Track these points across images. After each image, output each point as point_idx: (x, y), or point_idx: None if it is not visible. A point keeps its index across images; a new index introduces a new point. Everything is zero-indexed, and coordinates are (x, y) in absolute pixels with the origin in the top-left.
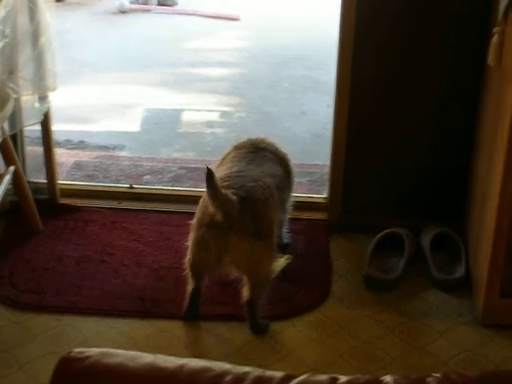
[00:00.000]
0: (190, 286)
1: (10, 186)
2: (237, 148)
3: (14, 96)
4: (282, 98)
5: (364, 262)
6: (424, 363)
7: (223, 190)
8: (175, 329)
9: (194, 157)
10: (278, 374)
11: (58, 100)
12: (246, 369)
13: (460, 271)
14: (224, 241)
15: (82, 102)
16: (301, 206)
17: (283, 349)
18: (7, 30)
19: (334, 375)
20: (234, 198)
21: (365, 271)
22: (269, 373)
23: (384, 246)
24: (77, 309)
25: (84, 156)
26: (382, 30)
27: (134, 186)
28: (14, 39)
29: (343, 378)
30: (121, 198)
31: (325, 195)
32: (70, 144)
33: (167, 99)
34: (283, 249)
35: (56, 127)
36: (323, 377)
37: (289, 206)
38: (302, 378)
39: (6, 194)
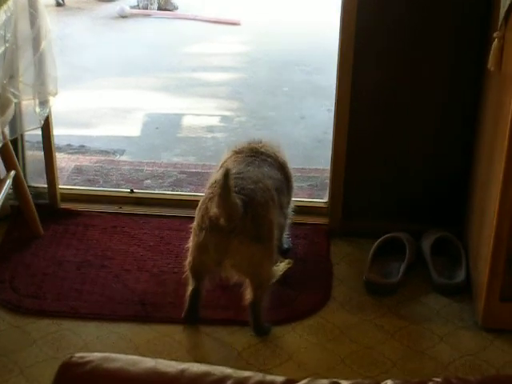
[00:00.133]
0: (189, 287)
1: (11, 191)
2: (236, 152)
3: (15, 101)
4: (282, 102)
5: (365, 267)
6: (425, 367)
7: (233, 196)
8: (176, 333)
9: (195, 161)
10: (279, 379)
11: (58, 105)
12: (247, 373)
13: (460, 276)
14: (225, 244)
15: (83, 106)
16: (301, 210)
17: (284, 353)
18: (8, 35)
19: (335, 380)
20: (239, 202)
21: (365, 276)
22: (269, 377)
23: (385, 251)
24: (77, 313)
25: (84, 160)
26: (383, 36)
27: (135, 190)
28: (15, 44)
29: (344, 383)
30: (121, 203)
31: (325, 200)
32: (70, 148)
33: (168, 104)
34: (284, 254)
35: (56, 132)
36: (324, 381)
37: (289, 211)
38: (302, 382)
39: (6, 199)
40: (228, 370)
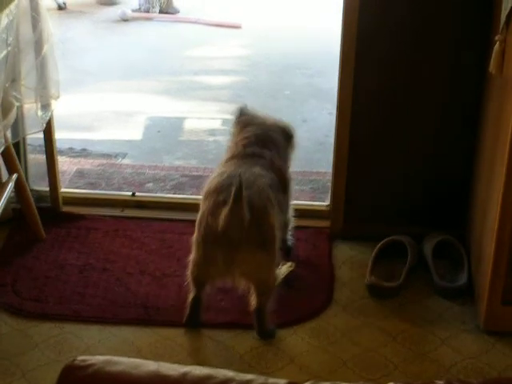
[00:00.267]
0: (191, 295)
1: (13, 194)
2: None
3: (17, 104)
4: (284, 105)
5: (366, 270)
6: (427, 370)
7: (243, 209)
8: (178, 336)
9: (196, 164)
10: (281, 382)
11: (60, 108)
12: (249, 376)
13: (462, 279)
14: (232, 255)
15: (85, 110)
16: (303, 213)
17: (286, 356)
18: (10, 39)
19: (337, 382)
20: (248, 214)
21: (367, 279)
22: (272, 380)
23: (386, 254)
24: (79, 317)
25: (86, 164)
26: (384, 39)
27: (137, 193)
28: (17, 48)
29: None
30: (123, 206)
31: (327, 203)
32: (72, 152)
33: (169, 107)
34: (287, 252)
35: (58, 135)
36: None
37: (290, 209)
38: None
39: (8, 202)
40: (230, 373)
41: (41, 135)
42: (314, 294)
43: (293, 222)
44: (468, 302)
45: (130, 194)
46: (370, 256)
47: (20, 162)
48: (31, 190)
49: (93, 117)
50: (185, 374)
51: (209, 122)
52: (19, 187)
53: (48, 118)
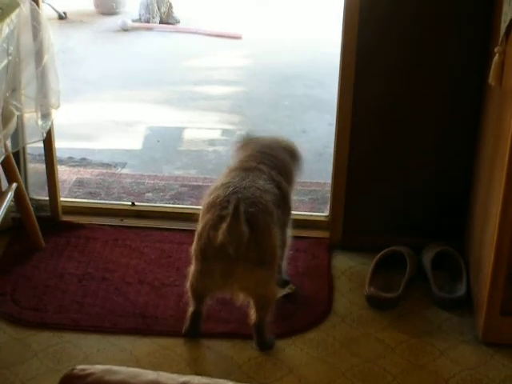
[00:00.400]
0: (190, 309)
1: (13, 203)
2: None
3: (17, 113)
4: (283, 116)
5: (365, 281)
6: (425, 381)
7: (242, 225)
8: (177, 346)
9: (196, 174)
10: None
11: (60, 117)
12: None
13: (461, 290)
14: (231, 270)
15: (85, 119)
16: (302, 224)
17: (285, 367)
18: (11, 48)
19: None
20: (247, 230)
21: (366, 289)
22: None
23: (385, 265)
24: (78, 326)
25: (86, 173)
26: (383, 52)
27: (136, 203)
28: (18, 57)
29: None
30: (123, 216)
31: (326, 213)
32: (72, 161)
33: (169, 117)
34: (282, 284)
35: (58, 145)
36: None
37: (288, 228)
38: None
39: (8, 211)
40: (229, 383)
41: (41, 144)
42: (313, 305)
43: (290, 242)
44: (467, 313)
45: (130, 203)
46: (369, 267)
47: (20, 171)
48: (31, 199)
49: (93, 126)
50: None
51: (209, 132)
52: (19, 196)
53: (48, 127)
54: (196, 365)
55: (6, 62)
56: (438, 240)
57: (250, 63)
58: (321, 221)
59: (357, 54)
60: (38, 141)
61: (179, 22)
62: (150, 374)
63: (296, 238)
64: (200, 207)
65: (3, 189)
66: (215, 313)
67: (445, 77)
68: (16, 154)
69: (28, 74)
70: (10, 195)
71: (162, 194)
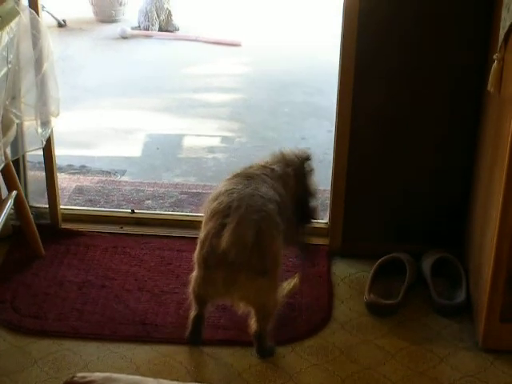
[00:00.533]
0: (193, 313)
1: (12, 211)
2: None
3: (17, 121)
4: (283, 123)
5: (365, 287)
6: None
7: (245, 232)
8: (177, 354)
9: (195, 182)
10: None
11: (59, 125)
12: None
13: (460, 296)
14: (233, 278)
15: (84, 127)
16: None
17: (285, 374)
18: (10, 56)
19: None
20: (250, 237)
21: (366, 296)
22: None
23: (385, 271)
24: (78, 333)
25: (86, 181)
26: (383, 57)
27: (136, 210)
28: (17, 65)
29: None
30: (122, 223)
31: (326, 220)
32: (71, 169)
33: (169, 124)
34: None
35: (58, 152)
36: None
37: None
38: None
39: (8, 219)
40: None
41: (40, 152)
42: (312, 312)
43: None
44: (466, 320)
45: (129, 210)
46: (368, 273)
47: (20, 179)
48: (31, 207)
49: (92, 134)
50: None
51: (208, 139)
52: (19, 204)
53: (48, 135)
54: (196, 372)
55: (5, 70)
56: (438, 247)
57: (249, 70)
58: (320, 228)
59: (356, 59)
60: (37, 149)
61: (178, 30)
62: (150, 382)
63: None
64: (200, 214)
65: (3, 196)
66: (215, 320)
67: (445, 79)
68: (16, 162)
69: (28, 81)
70: (9, 203)
71: (161, 201)
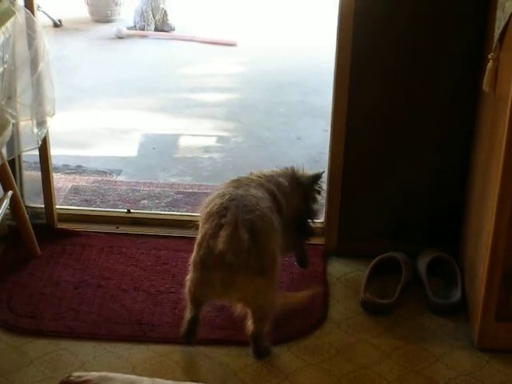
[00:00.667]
0: (188, 314)
1: (8, 211)
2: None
3: (13, 121)
4: (278, 123)
5: (361, 287)
6: None
7: (241, 231)
8: (173, 353)
9: (191, 182)
10: None
11: (55, 125)
12: None
13: (456, 295)
14: (231, 279)
15: (80, 127)
16: None
17: (280, 373)
18: (6, 56)
19: None
20: (246, 237)
21: (362, 296)
22: None
23: (381, 271)
24: (74, 333)
25: (81, 181)
26: (379, 57)
27: (132, 210)
28: (13, 65)
29: None
30: (118, 223)
31: (321, 220)
32: (67, 169)
33: (164, 124)
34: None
35: (54, 152)
36: None
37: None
38: None
39: (3, 219)
40: None
41: (36, 152)
42: (308, 311)
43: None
44: (462, 319)
45: (125, 210)
46: (364, 273)
47: (15, 178)
48: (26, 207)
49: (88, 134)
50: None
51: (204, 139)
52: (14, 204)
53: (43, 135)
54: (192, 372)
55: (1, 69)
56: (433, 246)
57: (245, 70)
58: (316, 227)
59: (352, 58)
60: (33, 148)
61: (174, 30)
62: (146, 381)
63: None
64: (196, 214)
65: None
66: (211, 319)
67: (441, 78)
68: (11, 162)
69: (23, 81)
70: (5, 203)
71: (157, 201)
